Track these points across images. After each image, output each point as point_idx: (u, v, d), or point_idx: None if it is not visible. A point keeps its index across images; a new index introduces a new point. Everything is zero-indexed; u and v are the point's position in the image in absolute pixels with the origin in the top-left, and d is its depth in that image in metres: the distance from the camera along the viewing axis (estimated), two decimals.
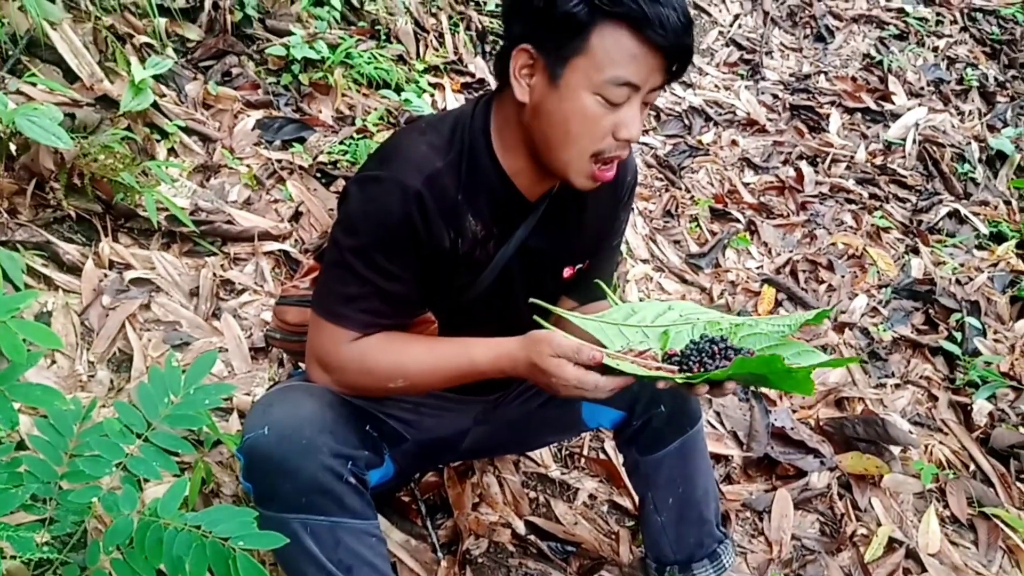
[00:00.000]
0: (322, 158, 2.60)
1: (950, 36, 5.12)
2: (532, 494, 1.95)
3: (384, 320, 1.26)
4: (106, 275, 1.96)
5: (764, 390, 2.35)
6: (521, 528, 1.84)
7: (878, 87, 4.49)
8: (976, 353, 2.72)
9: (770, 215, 3.40)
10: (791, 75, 4.50)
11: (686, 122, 3.86)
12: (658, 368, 1.13)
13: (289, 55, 2.79)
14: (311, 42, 2.83)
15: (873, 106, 4.29)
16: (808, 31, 4.99)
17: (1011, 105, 4.52)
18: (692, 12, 1.20)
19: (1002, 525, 2.12)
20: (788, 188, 3.57)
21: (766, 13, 4.95)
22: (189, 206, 2.22)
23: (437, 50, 3.37)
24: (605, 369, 1.14)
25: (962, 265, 3.22)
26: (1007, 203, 3.73)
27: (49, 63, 2.22)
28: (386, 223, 1.19)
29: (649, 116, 3.72)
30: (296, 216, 2.41)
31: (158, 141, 2.33)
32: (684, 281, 2.93)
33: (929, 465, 2.25)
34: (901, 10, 5.23)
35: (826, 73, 4.55)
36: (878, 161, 3.90)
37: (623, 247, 2.87)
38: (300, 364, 1.77)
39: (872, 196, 3.63)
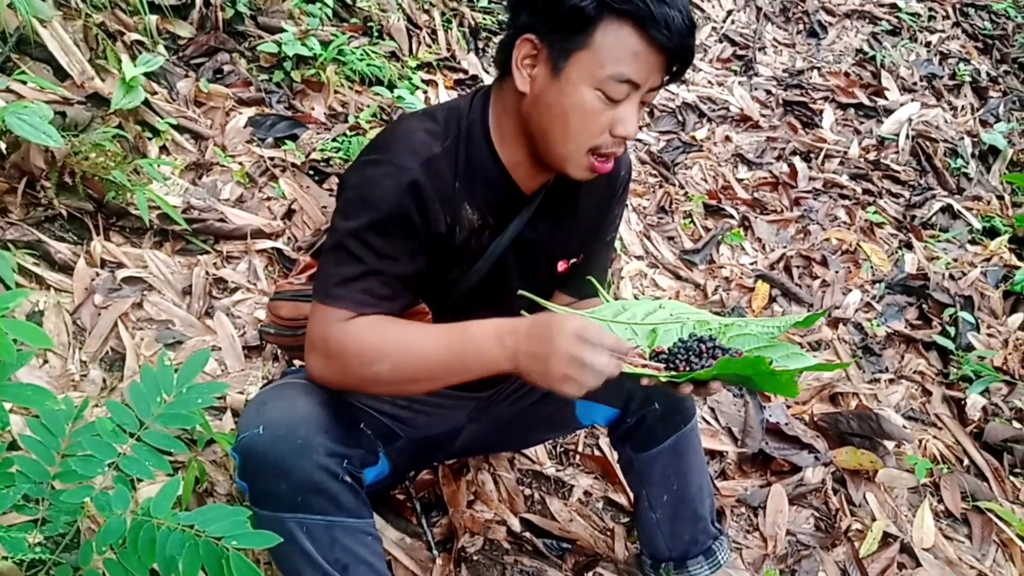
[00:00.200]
0: (315, 155, 2.59)
1: (942, 31, 5.14)
2: (527, 491, 1.95)
3: (380, 302, 1.22)
4: (98, 274, 1.95)
5: None
6: (516, 525, 1.84)
7: (871, 82, 4.50)
8: (969, 348, 2.73)
9: (764, 211, 3.41)
10: (784, 71, 4.50)
11: (680, 118, 3.86)
12: (644, 365, 1.13)
13: (281, 52, 2.78)
14: (303, 39, 2.82)
15: (866, 101, 4.30)
16: (801, 27, 5.00)
17: (1003, 100, 4.54)
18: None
19: (996, 519, 2.12)
20: (782, 184, 3.57)
21: (759, 9, 4.96)
22: (181, 204, 2.21)
23: (430, 47, 3.36)
24: None
25: (955, 260, 3.23)
26: (1000, 198, 3.74)
27: (39, 61, 2.20)
28: (383, 204, 1.18)
29: (643, 113, 3.72)
30: (289, 214, 2.40)
31: (150, 139, 2.32)
32: (678, 277, 2.93)
33: (923, 460, 2.25)
34: (894, 5, 5.25)
35: (819, 69, 4.56)
36: (871, 156, 3.90)
37: (617, 243, 2.87)
38: (295, 361, 1.78)
39: (865, 191, 3.64)
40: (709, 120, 3.92)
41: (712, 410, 2.34)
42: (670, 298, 2.81)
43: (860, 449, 2.23)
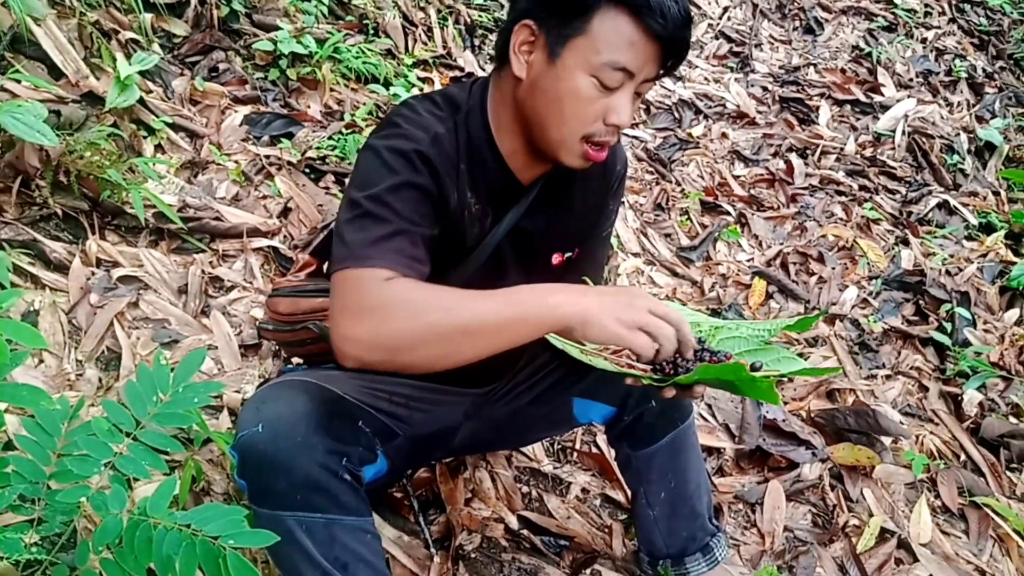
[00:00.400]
0: (311, 153, 2.59)
1: (938, 27, 5.14)
2: (525, 489, 1.95)
3: (414, 264, 1.16)
4: (93, 273, 1.94)
5: None
6: (514, 523, 1.84)
7: (867, 79, 4.50)
8: (966, 343, 2.74)
9: (760, 207, 3.41)
10: (780, 67, 4.50)
11: (676, 115, 3.85)
12: (629, 366, 1.13)
13: (276, 50, 2.77)
14: (298, 37, 2.81)
15: (862, 98, 4.30)
16: (797, 23, 5.00)
17: (999, 96, 4.54)
18: None
19: (992, 514, 2.13)
20: (778, 180, 3.57)
21: (755, 5, 4.95)
22: (177, 203, 2.20)
23: (426, 44, 3.35)
24: (575, 361, 1.14)
25: (952, 256, 3.23)
26: (996, 194, 3.75)
27: (34, 59, 2.20)
28: (400, 169, 1.18)
29: (639, 109, 3.72)
30: (285, 212, 2.40)
31: (145, 138, 2.31)
32: (675, 274, 2.93)
33: (920, 455, 2.26)
34: (890, 1, 5.25)
35: (815, 65, 4.56)
36: (868, 153, 3.91)
37: (614, 240, 2.87)
38: (293, 359, 1.77)
39: (862, 188, 3.64)
40: (705, 117, 3.92)
41: (709, 407, 2.34)
42: (666, 296, 2.81)
43: (857, 445, 2.23)
